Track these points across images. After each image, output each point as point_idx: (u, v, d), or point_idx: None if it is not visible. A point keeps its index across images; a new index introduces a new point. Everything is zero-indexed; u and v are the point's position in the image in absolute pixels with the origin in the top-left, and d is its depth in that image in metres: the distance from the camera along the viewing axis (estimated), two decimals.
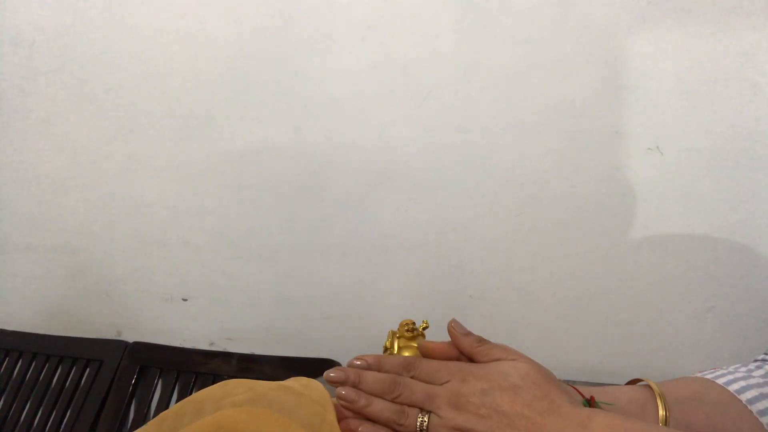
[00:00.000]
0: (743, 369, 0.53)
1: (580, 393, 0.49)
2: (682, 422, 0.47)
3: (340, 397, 0.47)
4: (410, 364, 0.50)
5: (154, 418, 0.43)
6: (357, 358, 0.51)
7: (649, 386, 0.50)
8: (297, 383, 0.48)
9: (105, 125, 1.25)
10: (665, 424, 0.47)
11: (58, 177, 1.30)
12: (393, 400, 0.47)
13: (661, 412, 0.47)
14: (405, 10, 1.01)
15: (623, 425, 0.40)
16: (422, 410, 0.47)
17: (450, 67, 1.00)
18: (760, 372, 0.52)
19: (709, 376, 0.52)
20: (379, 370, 0.50)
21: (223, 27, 1.14)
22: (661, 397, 0.48)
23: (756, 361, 0.55)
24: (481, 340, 0.51)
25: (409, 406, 0.47)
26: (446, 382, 0.47)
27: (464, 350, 0.51)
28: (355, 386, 0.48)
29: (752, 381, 0.50)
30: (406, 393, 0.47)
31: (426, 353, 0.52)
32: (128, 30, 1.21)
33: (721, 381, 0.51)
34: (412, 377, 0.49)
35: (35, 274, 1.35)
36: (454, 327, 0.52)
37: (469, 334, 0.52)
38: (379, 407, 0.47)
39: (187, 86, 1.18)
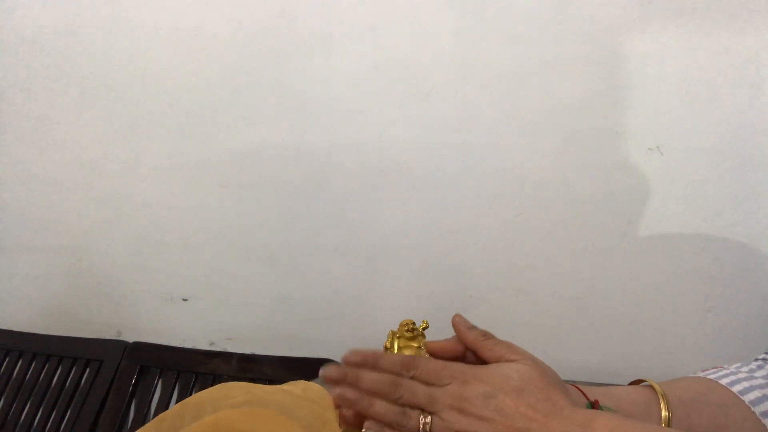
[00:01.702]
0: (745, 369, 0.53)
1: (584, 394, 0.49)
2: (686, 423, 0.47)
3: (340, 397, 0.47)
4: (410, 363, 0.49)
5: (153, 419, 0.43)
6: (353, 353, 0.50)
7: (651, 387, 0.50)
8: (295, 387, 0.48)
9: (105, 125, 1.25)
10: (668, 425, 0.46)
11: (58, 177, 1.30)
12: (394, 402, 0.47)
13: (664, 413, 0.47)
14: (405, 10, 1.01)
15: (625, 426, 0.40)
16: (424, 411, 0.46)
17: (450, 67, 1.00)
18: (762, 372, 0.52)
19: (711, 376, 0.52)
20: (375, 367, 0.49)
21: (223, 27, 1.14)
22: (664, 397, 0.48)
23: (757, 360, 0.55)
24: (485, 334, 0.50)
25: (411, 407, 0.47)
26: (447, 384, 0.47)
27: (469, 344, 0.50)
28: (353, 385, 0.48)
29: (755, 382, 0.50)
30: (407, 395, 0.47)
31: (431, 354, 0.52)
32: (128, 30, 1.21)
33: (724, 381, 0.50)
34: (412, 377, 0.48)
35: (35, 274, 1.35)
36: (458, 321, 0.52)
37: (473, 327, 0.51)
38: (382, 408, 0.46)
39: (188, 86, 1.18)
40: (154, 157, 1.21)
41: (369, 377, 0.48)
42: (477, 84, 0.98)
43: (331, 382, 0.48)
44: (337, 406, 0.48)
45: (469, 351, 0.51)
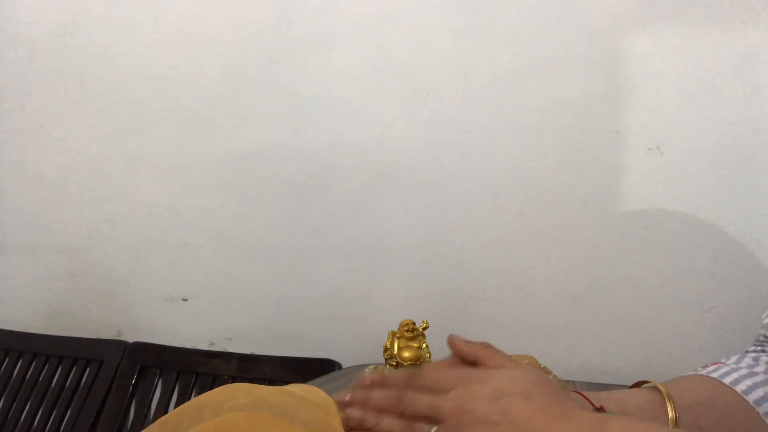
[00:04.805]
0: (744, 363, 0.53)
1: (589, 401, 0.48)
2: (693, 425, 0.47)
3: (348, 418, 0.48)
4: (414, 375, 0.49)
5: (154, 423, 0.43)
6: (363, 378, 0.52)
7: (655, 388, 0.50)
8: (298, 388, 0.48)
9: (105, 125, 1.25)
10: (675, 425, 0.46)
11: (58, 177, 1.30)
12: (400, 415, 0.47)
13: (671, 414, 0.47)
14: (405, 11, 1.01)
15: (638, 428, 0.40)
16: (430, 422, 0.46)
17: (450, 67, 1.00)
18: (761, 367, 0.52)
19: (714, 374, 0.52)
20: (383, 387, 0.50)
21: (224, 27, 1.14)
22: (670, 399, 0.48)
23: (749, 352, 0.56)
24: (485, 344, 0.50)
25: (418, 419, 0.47)
26: (451, 390, 0.47)
27: (469, 356, 0.50)
28: (362, 405, 0.48)
29: (757, 379, 0.50)
30: (411, 407, 0.47)
31: None
32: (128, 30, 1.21)
33: (727, 380, 0.50)
34: (417, 389, 0.48)
35: (35, 274, 1.35)
36: (454, 338, 0.52)
37: (470, 341, 0.51)
38: (388, 424, 0.47)
39: (188, 86, 1.18)
40: (154, 157, 1.21)
41: (376, 395, 0.49)
42: (477, 84, 0.98)
43: (342, 406, 0.49)
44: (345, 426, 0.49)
45: (468, 367, 0.51)
